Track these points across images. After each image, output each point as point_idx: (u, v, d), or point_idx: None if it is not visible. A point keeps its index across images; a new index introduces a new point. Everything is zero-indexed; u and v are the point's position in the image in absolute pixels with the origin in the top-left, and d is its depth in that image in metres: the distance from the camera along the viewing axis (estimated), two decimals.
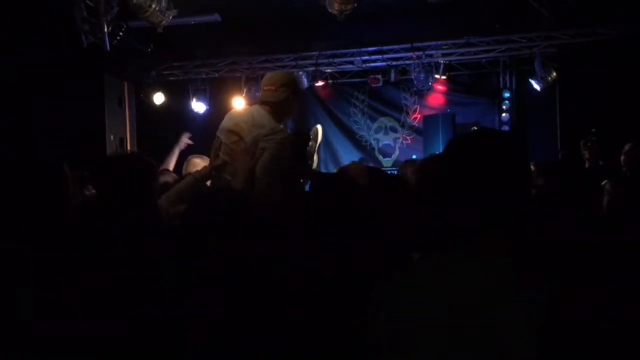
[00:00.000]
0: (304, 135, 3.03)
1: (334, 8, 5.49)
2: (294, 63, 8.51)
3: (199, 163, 3.74)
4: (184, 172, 3.91)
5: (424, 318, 1.10)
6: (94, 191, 3.27)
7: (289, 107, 3.14)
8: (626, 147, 3.75)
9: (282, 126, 3.08)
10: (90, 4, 5.86)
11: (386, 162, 9.47)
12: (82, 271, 1.55)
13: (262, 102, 3.09)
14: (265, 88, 3.10)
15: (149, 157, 2.25)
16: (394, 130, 9.60)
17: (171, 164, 4.82)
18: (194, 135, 8.75)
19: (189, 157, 4.13)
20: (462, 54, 8.12)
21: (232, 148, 2.96)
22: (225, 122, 3.11)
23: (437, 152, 8.01)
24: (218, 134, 3.10)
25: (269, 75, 3.23)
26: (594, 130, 4.09)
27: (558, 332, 1.01)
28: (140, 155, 2.27)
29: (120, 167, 2.12)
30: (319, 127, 3.49)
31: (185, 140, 4.94)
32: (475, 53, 8.09)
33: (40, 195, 1.31)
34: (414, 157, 8.10)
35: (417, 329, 1.11)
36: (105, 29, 5.94)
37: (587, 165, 4.01)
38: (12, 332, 1.15)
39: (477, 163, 1.16)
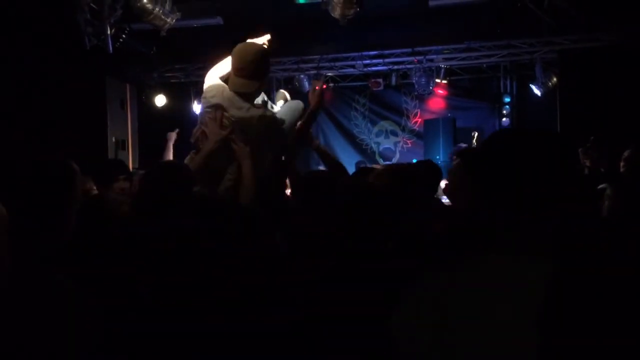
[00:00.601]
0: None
1: (337, 13, 5.52)
2: (295, 66, 8.55)
3: None
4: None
5: (474, 318, 1.07)
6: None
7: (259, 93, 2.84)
8: (626, 154, 3.77)
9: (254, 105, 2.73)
10: (94, 6, 5.89)
11: None
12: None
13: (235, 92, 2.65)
14: (239, 74, 2.61)
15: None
16: (395, 134, 9.63)
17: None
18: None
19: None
20: (463, 59, 8.15)
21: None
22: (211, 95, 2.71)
23: (436, 157, 8.06)
24: (208, 107, 2.70)
25: (241, 56, 2.64)
26: (592, 137, 4.10)
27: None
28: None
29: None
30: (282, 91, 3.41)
31: (173, 136, 4.98)
32: (476, 58, 8.12)
33: (51, 194, 1.32)
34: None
35: (470, 328, 1.07)
36: (109, 32, 5.97)
37: (586, 172, 4.02)
38: (16, 331, 1.17)
39: (526, 160, 1.13)
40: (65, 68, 6.31)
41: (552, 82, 7.92)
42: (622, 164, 3.75)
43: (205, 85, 2.79)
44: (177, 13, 5.89)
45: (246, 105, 2.64)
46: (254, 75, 2.61)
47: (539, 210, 1.12)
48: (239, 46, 2.68)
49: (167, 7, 5.72)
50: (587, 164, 4.15)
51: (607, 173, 3.86)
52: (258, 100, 2.89)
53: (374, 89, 8.94)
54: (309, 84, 8.73)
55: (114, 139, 7.99)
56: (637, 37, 6.60)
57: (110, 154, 7.65)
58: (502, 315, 1.05)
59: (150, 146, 8.39)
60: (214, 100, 2.66)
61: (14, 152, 1.38)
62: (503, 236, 1.15)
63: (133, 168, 7.56)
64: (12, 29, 5.41)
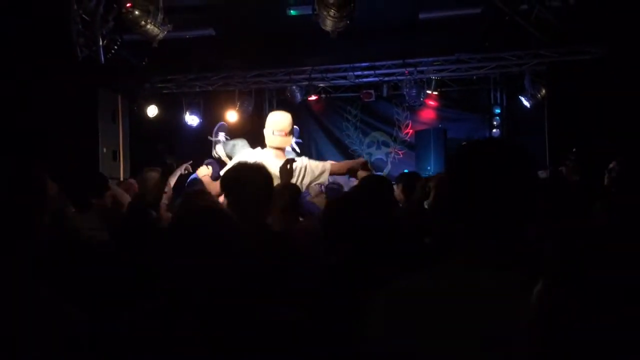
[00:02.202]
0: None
1: (327, 26, 5.56)
2: (287, 78, 8.59)
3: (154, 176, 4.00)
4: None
5: (432, 326, 1.10)
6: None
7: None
8: (611, 165, 3.80)
9: None
10: (86, 17, 5.90)
11: None
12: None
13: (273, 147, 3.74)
14: (276, 133, 3.70)
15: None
16: (386, 144, 9.69)
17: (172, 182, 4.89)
18: (187, 148, 8.83)
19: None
20: (453, 70, 8.23)
21: None
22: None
23: (427, 168, 8.12)
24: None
25: (277, 118, 3.77)
26: (574, 149, 4.15)
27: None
28: None
29: None
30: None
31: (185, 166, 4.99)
32: (466, 70, 8.20)
33: (18, 208, 1.33)
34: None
35: (424, 336, 1.10)
36: (100, 42, 5.97)
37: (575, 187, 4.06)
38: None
39: (482, 174, 1.16)
40: (57, 78, 6.31)
41: (541, 94, 8.00)
42: (606, 175, 3.77)
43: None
44: (169, 25, 5.91)
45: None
46: (289, 131, 3.78)
47: (498, 222, 1.14)
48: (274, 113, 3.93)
49: (159, 18, 5.74)
50: (564, 173, 4.20)
51: (582, 183, 3.89)
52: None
53: (366, 100, 9.00)
54: (301, 95, 8.78)
55: (105, 150, 7.97)
56: (623, 51, 6.69)
57: (102, 165, 7.62)
58: (471, 327, 1.07)
59: (142, 156, 8.40)
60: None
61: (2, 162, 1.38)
62: (466, 247, 1.17)
63: (123, 178, 7.55)
64: (3, 39, 5.42)
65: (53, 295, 1.27)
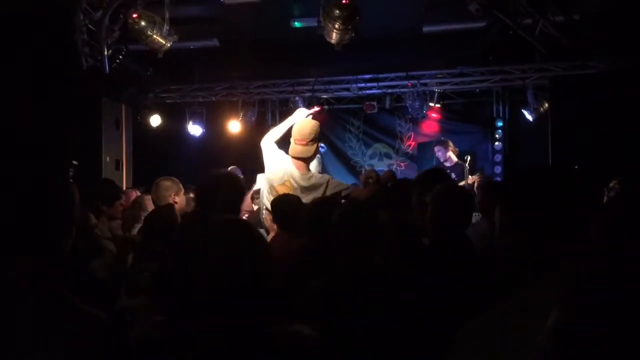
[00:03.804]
0: None
1: (332, 38, 5.58)
2: (290, 88, 8.61)
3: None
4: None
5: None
6: None
7: (315, 154, 3.71)
8: (611, 184, 3.81)
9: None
10: (92, 27, 5.93)
11: None
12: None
13: (292, 156, 3.57)
14: (296, 142, 3.54)
15: None
16: (388, 156, 9.68)
17: None
18: (190, 157, 8.84)
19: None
20: (456, 83, 8.25)
21: None
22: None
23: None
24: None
25: (298, 126, 3.60)
26: (576, 167, 4.16)
27: None
28: None
29: None
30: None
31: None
32: (469, 83, 8.22)
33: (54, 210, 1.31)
34: None
35: None
36: (105, 52, 6.01)
37: None
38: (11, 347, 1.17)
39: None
40: (62, 88, 6.33)
41: (544, 107, 8.01)
42: (605, 194, 3.77)
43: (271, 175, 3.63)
44: (174, 35, 5.94)
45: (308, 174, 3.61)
46: (310, 139, 3.57)
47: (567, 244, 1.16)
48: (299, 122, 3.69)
49: (165, 29, 5.77)
50: None
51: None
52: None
53: (368, 112, 8.99)
54: (304, 106, 8.78)
55: (107, 159, 7.99)
56: (626, 65, 6.71)
57: (105, 174, 7.63)
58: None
59: (145, 166, 8.41)
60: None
61: (10, 169, 1.35)
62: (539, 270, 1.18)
63: (127, 187, 7.55)
64: (9, 47, 5.44)
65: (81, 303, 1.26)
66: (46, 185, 1.32)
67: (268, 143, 3.67)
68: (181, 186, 3.70)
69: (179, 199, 3.58)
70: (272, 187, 3.54)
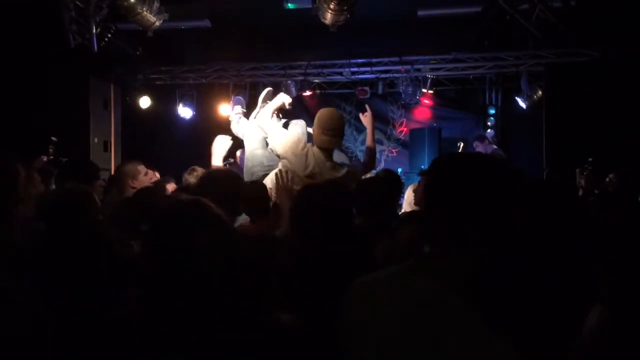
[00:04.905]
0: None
1: (327, 19, 5.49)
2: (282, 72, 8.51)
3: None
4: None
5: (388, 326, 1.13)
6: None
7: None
8: (607, 179, 3.80)
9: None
10: (80, 4, 5.78)
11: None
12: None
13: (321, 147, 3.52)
14: (329, 133, 3.46)
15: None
16: (380, 142, 9.62)
17: None
18: (179, 140, 8.73)
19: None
20: (449, 70, 8.19)
21: None
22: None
23: (421, 167, 8.07)
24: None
25: (329, 116, 3.53)
26: (590, 159, 4.14)
27: None
28: None
29: None
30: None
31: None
32: (462, 69, 8.17)
33: None
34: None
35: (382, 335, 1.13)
36: (94, 30, 5.86)
37: (580, 193, 4.04)
38: None
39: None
40: (49, 66, 6.19)
41: (538, 95, 7.99)
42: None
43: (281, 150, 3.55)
44: (165, 14, 5.80)
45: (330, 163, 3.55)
46: (342, 133, 3.61)
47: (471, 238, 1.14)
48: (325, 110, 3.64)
49: (155, 7, 5.64)
50: (582, 184, 4.18)
51: (600, 194, 3.86)
52: None
53: (361, 97, 8.91)
54: (296, 89, 8.69)
55: (96, 140, 7.85)
56: (621, 53, 6.69)
57: (93, 155, 7.49)
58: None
59: (134, 148, 8.28)
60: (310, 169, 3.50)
61: None
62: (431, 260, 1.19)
63: (114, 169, 7.43)
64: None
65: (20, 286, 1.21)
66: None
67: (274, 123, 3.71)
68: (139, 168, 3.75)
69: (137, 183, 3.63)
70: (294, 174, 3.37)
